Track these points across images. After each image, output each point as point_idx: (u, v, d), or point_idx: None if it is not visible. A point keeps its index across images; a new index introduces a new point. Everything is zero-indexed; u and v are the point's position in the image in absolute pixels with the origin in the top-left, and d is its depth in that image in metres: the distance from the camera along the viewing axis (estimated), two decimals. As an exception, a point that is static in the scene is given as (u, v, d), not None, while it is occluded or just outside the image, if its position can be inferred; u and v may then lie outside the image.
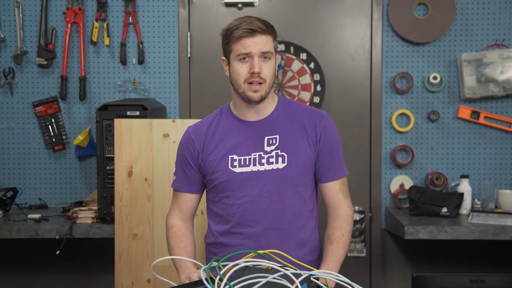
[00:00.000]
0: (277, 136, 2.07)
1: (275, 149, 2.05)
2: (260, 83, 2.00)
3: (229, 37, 2.02)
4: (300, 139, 2.07)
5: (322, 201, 2.20)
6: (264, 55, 2.00)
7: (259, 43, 1.98)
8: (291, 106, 2.15)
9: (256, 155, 2.05)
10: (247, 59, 2.00)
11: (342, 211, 2.13)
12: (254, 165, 2.04)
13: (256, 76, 1.99)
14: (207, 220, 2.74)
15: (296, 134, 2.08)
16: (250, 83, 2.00)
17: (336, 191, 2.13)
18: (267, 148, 2.06)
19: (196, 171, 2.14)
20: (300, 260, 1.98)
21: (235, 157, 2.06)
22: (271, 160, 2.04)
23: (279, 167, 2.04)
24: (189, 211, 2.20)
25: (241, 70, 2.00)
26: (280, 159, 2.04)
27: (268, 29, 2.01)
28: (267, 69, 2.00)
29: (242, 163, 2.05)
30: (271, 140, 2.07)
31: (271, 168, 2.04)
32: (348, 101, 3.53)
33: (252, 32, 1.97)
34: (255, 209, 2.05)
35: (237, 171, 2.05)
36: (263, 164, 2.04)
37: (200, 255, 2.77)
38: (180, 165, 2.17)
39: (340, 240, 2.09)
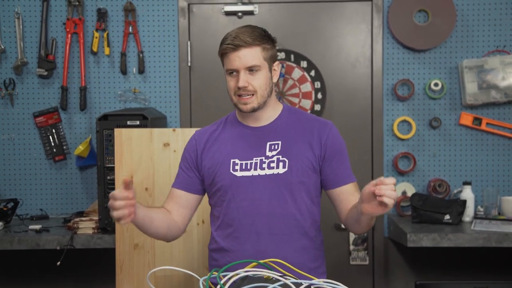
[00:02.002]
0: (279, 142, 2.09)
1: (277, 154, 2.07)
2: (249, 95, 2.03)
3: (219, 52, 2.08)
4: (303, 146, 2.08)
5: (336, 209, 2.16)
6: (250, 69, 2.02)
7: (243, 58, 2.00)
8: (295, 114, 2.18)
9: (257, 159, 2.07)
10: (234, 73, 2.03)
11: None
12: (255, 169, 2.06)
13: (243, 89, 2.02)
14: (208, 229, 2.74)
15: (299, 141, 2.09)
16: (240, 95, 2.04)
17: (352, 191, 2.11)
18: (268, 153, 2.08)
19: (194, 172, 2.16)
20: (302, 267, 1.98)
21: (236, 161, 2.08)
22: (271, 165, 2.06)
23: (279, 172, 2.05)
24: (180, 210, 2.16)
25: (230, 83, 2.05)
26: (281, 164, 2.05)
27: (254, 41, 2.01)
28: (255, 81, 2.03)
29: (243, 167, 2.06)
30: (273, 146, 2.08)
31: (271, 172, 2.05)
32: (349, 108, 3.53)
33: (235, 48, 2.00)
34: (256, 213, 2.05)
35: (238, 175, 2.07)
36: (263, 169, 2.06)
37: (202, 264, 2.76)
38: (181, 166, 2.20)
39: None
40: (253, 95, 2.03)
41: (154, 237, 2.16)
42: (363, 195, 1.81)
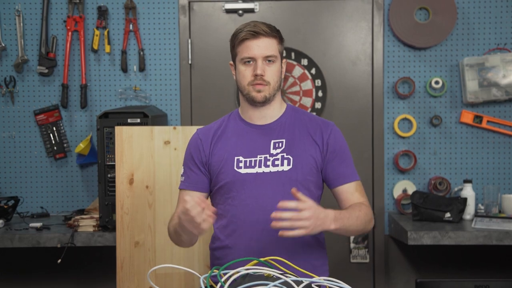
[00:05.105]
0: (284, 140, 2.10)
1: (281, 152, 2.08)
2: (264, 84, 2.04)
3: (234, 41, 2.08)
4: (306, 145, 2.09)
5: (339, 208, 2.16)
6: (268, 59, 2.04)
7: (262, 46, 2.03)
8: (299, 114, 2.19)
9: (261, 157, 2.08)
10: (251, 62, 2.04)
11: (361, 203, 2.08)
12: (260, 166, 2.06)
13: (259, 78, 2.03)
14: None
15: (303, 140, 2.10)
16: (253, 84, 2.04)
17: (352, 191, 2.11)
18: (273, 151, 2.08)
19: (202, 171, 2.13)
20: (306, 264, 1.99)
21: (241, 158, 2.08)
22: (276, 162, 2.06)
23: (284, 169, 2.06)
24: None
25: (246, 73, 2.05)
26: (285, 161, 2.06)
27: (272, 32, 2.05)
28: (270, 72, 2.05)
29: (248, 165, 2.07)
30: (277, 144, 2.09)
31: (276, 170, 2.06)
32: (350, 106, 3.52)
33: (255, 35, 2.02)
34: (260, 210, 2.05)
35: (242, 172, 2.07)
36: (268, 166, 2.06)
37: (203, 262, 2.76)
38: (187, 165, 2.16)
39: (355, 208, 2.03)
40: (266, 85, 2.04)
41: (186, 243, 2.07)
42: None
